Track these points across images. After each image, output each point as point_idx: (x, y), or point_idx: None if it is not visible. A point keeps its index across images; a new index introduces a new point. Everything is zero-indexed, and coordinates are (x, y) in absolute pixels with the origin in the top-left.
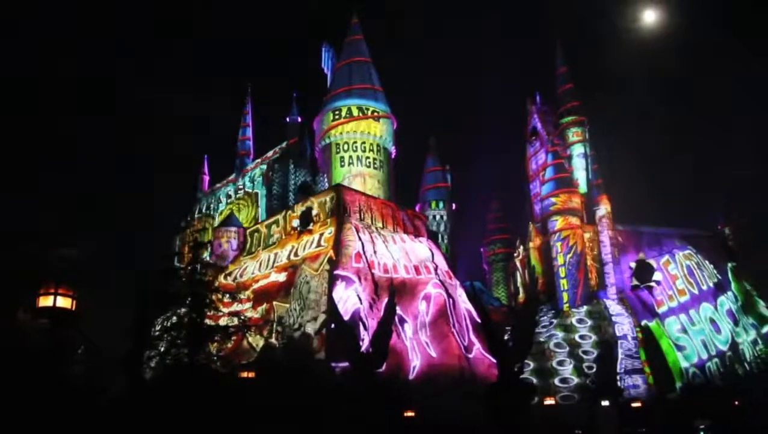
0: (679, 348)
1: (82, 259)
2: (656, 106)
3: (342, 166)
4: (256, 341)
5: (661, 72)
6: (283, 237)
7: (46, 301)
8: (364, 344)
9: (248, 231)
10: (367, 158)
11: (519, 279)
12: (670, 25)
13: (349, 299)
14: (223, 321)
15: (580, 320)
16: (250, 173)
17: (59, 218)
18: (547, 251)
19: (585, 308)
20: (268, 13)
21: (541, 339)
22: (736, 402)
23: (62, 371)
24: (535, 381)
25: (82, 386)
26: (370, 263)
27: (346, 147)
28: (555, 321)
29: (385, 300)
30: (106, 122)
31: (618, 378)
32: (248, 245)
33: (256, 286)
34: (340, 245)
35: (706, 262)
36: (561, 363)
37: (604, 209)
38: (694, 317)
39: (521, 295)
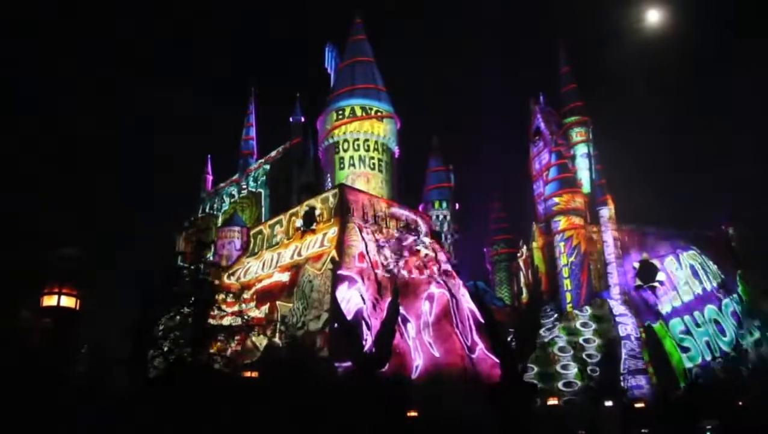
0: (684, 349)
1: (83, 259)
2: (659, 105)
3: (345, 166)
4: (260, 341)
5: (663, 72)
6: (287, 237)
7: (50, 300)
8: (367, 344)
9: (252, 231)
10: (371, 158)
11: (522, 279)
12: (672, 26)
13: (352, 298)
14: (226, 321)
15: (583, 321)
16: (254, 172)
17: (59, 218)
18: (550, 251)
19: (588, 308)
20: (271, 13)
21: (545, 339)
22: (740, 403)
23: (65, 370)
24: (538, 381)
25: (85, 385)
26: (373, 263)
27: (349, 147)
28: (558, 322)
29: (388, 300)
30: (107, 122)
31: (621, 378)
32: (251, 245)
33: (259, 286)
34: (344, 245)
35: (710, 262)
36: (564, 363)
37: (607, 209)
38: (698, 318)
39: (524, 295)
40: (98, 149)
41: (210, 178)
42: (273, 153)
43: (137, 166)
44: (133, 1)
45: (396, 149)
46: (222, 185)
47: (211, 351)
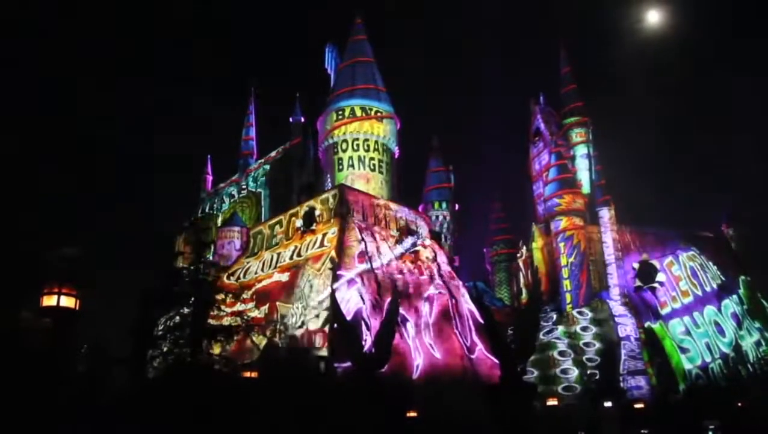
0: (683, 350)
1: (83, 258)
2: (658, 106)
3: (345, 166)
4: (259, 341)
5: (662, 72)
6: (286, 237)
7: (49, 300)
8: (367, 344)
9: (251, 231)
10: (371, 158)
11: (522, 280)
12: (671, 26)
13: (352, 299)
14: (226, 321)
15: (582, 321)
16: (254, 173)
17: (59, 218)
18: (550, 251)
19: (588, 309)
20: (271, 13)
21: (544, 340)
22: (740, 404)
23: (65, 370)
24: (537, 381)
25: (85, 385)
26: (372, 264)
27: (348, 147)
28: (558, 322)
29: (388, 301)
30: (107, 122)
31: (621, 379)
32: (251, 246)
33: (258, 286)
34: (343, 246)
35: (710, 263)
36: (564, 364)
37: (607, 209)
38: (698, 319)
39: (524, 296)
40: (98, 149)
41: (210, 178)
42: (273, 153)
43: (137, 166)
44: (133, 1)
45: (396, 150)
46: (222, 185)
47: (211, 351)
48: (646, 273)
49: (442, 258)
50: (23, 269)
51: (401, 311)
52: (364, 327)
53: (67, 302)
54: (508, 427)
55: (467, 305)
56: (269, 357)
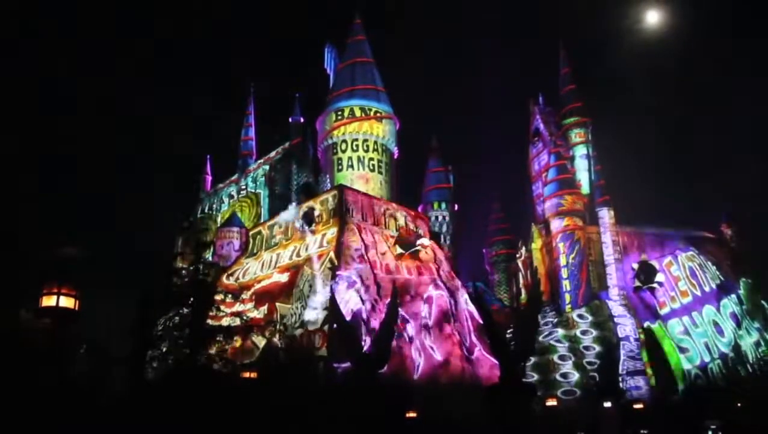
0: (682, 350)
1: (82, 258)
2: (658, 106)
3: (344, 166)
4: (259, 341)
5: (662, 72)
6: (286, 238)
7: (49, 301)
8: (366, 345)
9: (251, 232)
10: (370, 158)
11: (521, 280)
12: (671, 26)
13: (352, 299)
14: (225, 322)
15: (582, 321)
16: (253, 173)
17: (59, 218)
18: (549, 252)
19: (587, 309)
20: (271, 13)
21: (543, 341)
22: (739, 404)
23: (64, 370)
24: (537, 381)
25: (84, 386)
26: (372, 264)
27: (348, 148)
28: (557, 323)
29: (388, 301)
30: (107, 122)
31: (620, 379)
32: (250, 246)
33: (258, 286)
34: (343, 246)
35: (709, 263)
36: (563, 363)
37: (606, 210)
38: (696, 319)
39: (523, 296)
40: (98, 150)
41: (209, 178)
42: (272, 154)
43: (137, 166)
44: (133, 1)
45: (395, 150)
46: (221, 185)
47: (210, 351)
48: (646, 274)
49: (441, 259)
50: (23, 269)
51: (400, 311)
52: (363, 328)
53: (67, 302)
54: (507, 428)
55: (467, 305)
56: (269, 358)
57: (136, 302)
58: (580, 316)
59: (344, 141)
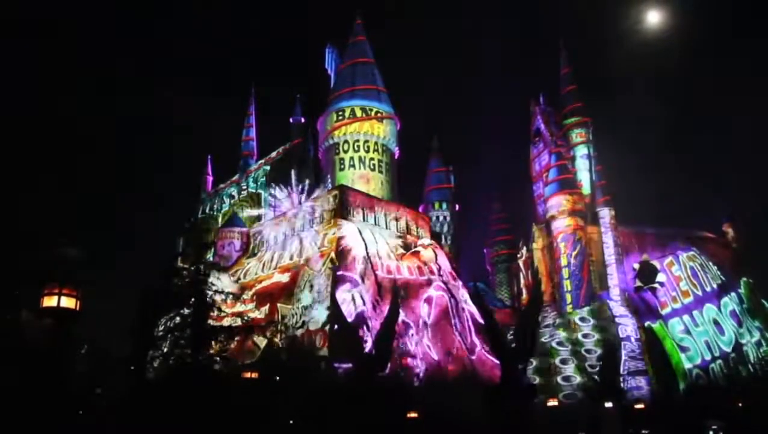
0: (683, 349)
1: (83, 259)
2: (658, 106)
3: (345, 167)
4: (260, 341)
5: (662, 72)
6: (287, 238)
7: (50, 301)
8: (368, 345)
9: (252, 232)
10: (371, 158)
11: (522, 280)
12: (672, 27)
13: (353, 300)
14: (226, 322)
15: (583, 322)
16: (254, 173)
17: (59, 218)
18: (550, 252)
19: (588, 309)
20: (271, 13)
21: (544, 341)
22: (740, 404)
23: (65, 371)
24: (538, 382)
25: (85, 386)
26: (373, 264)
27: (349, 148)
28: (558, 322)
29: (389, 301)
30: (107, 122)
31: (621, 379)
32: (252, 246)
33: (259, 287)
34: (343, 246)
35: (710, 263)
36: (564, 364)
37: (607, 210)
38: (697, 318)
39: (524, 296)
40: (98, 149)
41: (210, 179)
42: (273, 154)
43: (137, 166)
44: (133, 1)
45: (396, 150)
46: (222, 185)
47: (211, 351)
48: (647, 274)
49: (442, 259)
50: (24, 269)
51: (401, 312)
52: (364, 328)
53: (68, 302)
54: (508, 427)
55: (467, 305)
56: (270, 358)
57: (137, 302)
58: (581, 316)
59: (345, 141)
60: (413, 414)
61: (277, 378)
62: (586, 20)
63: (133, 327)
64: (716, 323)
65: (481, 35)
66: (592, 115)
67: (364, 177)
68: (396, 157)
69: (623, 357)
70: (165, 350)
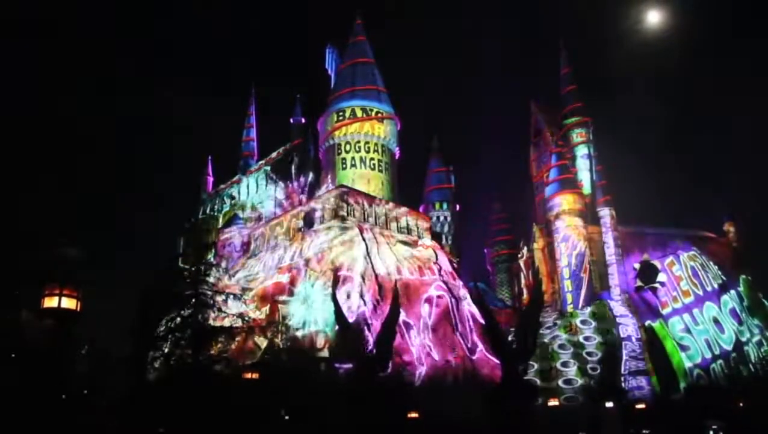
0: (683, 348)
1: (83, 259)
2: (658, 106)
3: (346, 167)
4: (261, 342)
5: (662, 72)
6: (287, 238)
7: (50, 302)
8: (368, 345)
9: (252, 232)
10: (371, 159)
11: (523, 280)
12: (672, 27)
13: (353, 300)
14: (227, 322)
15: (584, 322)
16: (255, 174)
17: (59, 218)
18: (551, 252)
19: (589, 309)
20: (271, 14)
21: (545, 340)
22: (741, 404)
23: (66, 371)
24: (539, 382)
25: (85, 386)
26: (373, 265)
27: (349, 148)
28: (559, 322)
29: (389, 302)
30: (107, 122)
31: (622, 379)
32: (252, 247)
33: (260, 287)
34: (344, 246)
35: (711, 263)
36: (565, 364)
37: (607, 209)
38: (697, 317)
39: (525, 296)
40: (98, 149)
41: (210, 179)
42: (274, 154)
43: (137, 167)
44: (133, 0)
45: (396, 150)
46: (222, 186)
47: (212, 352)
48: (647, 273)
49: (442, 259)
50: (24, 269)
51: (402, 312)
52: (365, 328)
53: (68, 303)
54: (509, 428)
55: (468, 306)
56: (270, 358)
57: (137, 303)
58: (582, 316)
59: (346, 142)
60: (414, 415)
61: (278, 378)
62: (586, 20)
63: (133, 328)
64: (716, 321)
65: (481, 35)
66: (592, 115)
67: (365, 177)
68: (396, 157)
69: (624, 357)
70: (165, 350)
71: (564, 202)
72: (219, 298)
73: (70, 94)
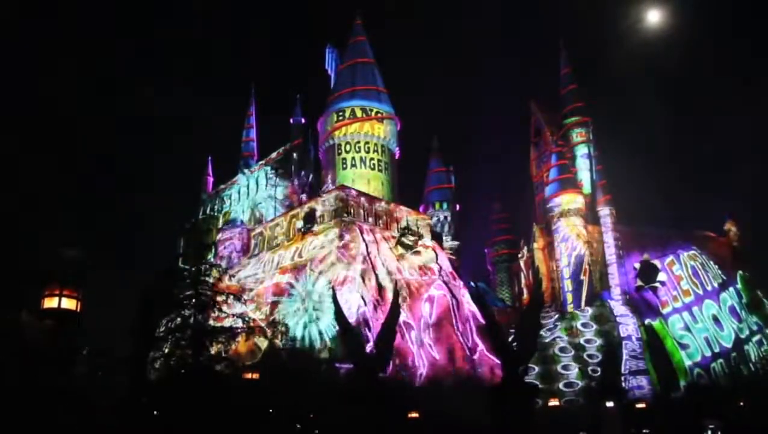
0: (683, 347)
1: (84, 260)
2: (658, 106)
3: (346, 167)
4: (261, 342)
5: (662, 72)
6: (287, 239)
7: (51, 302)
8: (369, 345)
9: (252, 233)
10: (371, 159)
11: (523, 280)
12: (672, 26)
13: (354, 300)
14: (227, 323)
15: (584, 322)
16: (255, 174)
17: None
18: (551, 251)
19: (589, 309)
20: (271, 14)
21: (546, 341)
22: (741, 403)
23: (66, 371)
24: (539, 382)
25: (86, 387)
26: (374, 265)
27: (350, 148)
28: (559, 322)
29: (389, 302)
30: (107, 122)
31: (622, 378)
32: (252, 247)
33: (260, 287)
34: (344, 247)
35: (711, 262)
36: (565, 364)
37: (608, 209)
38: (696, 315)
39: (525, 296)
40: (98, 149)
41: (211, 180)
42: (274, 154)
43: (137, 167)
44: (133, 1)
45: (396, 150)
46: (223, 186)
47: (212, 352)
48: (648, 273)
49: (443, 259)
50: (25, 270)
51: (402, 312)
52: (365, 328)
53: (69, 304)
54: (509, 428)
55: (468, 306)
56: (270, 359)
57: (138, 303)
58: (582, 316)
59: (346, 142)
60: (414, 415)
61: (278, 379)
62: (586, 20)
63: (133, 328)
64: (716, 319)
65: (481, 35)
66: (592, 115)
67: (365, 177)
68: (396, 157)
69: (624, 357)
70: (166, 351)
71: (564, 202)
72: (219, 298)
73: (70, 94)
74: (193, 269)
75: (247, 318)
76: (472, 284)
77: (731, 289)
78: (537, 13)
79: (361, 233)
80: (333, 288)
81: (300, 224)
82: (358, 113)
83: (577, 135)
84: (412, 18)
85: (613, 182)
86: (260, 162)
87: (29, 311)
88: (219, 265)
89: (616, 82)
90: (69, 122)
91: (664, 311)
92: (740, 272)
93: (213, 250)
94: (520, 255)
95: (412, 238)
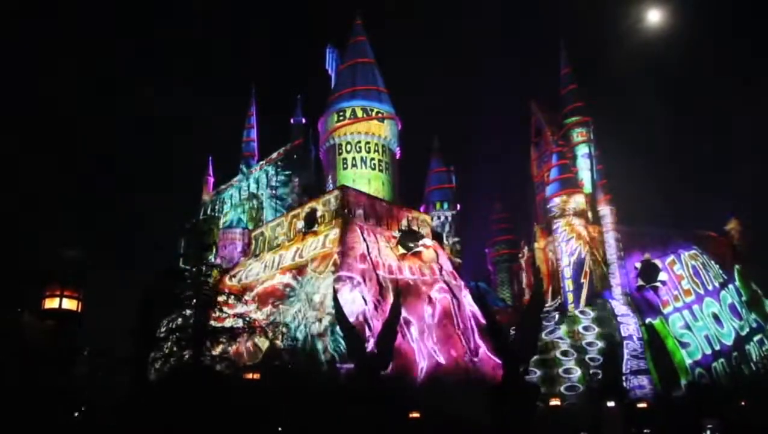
0: (683, 345)
1: (84, 260)
2: (658, 106)
3: (346, 167)
4: (262, 342)
5: (662, 72)
6: (288, 239)
7: (52, 303)
8: (370, 345)
9: (253, 233)
10: (372, 159)
11: (524, 280)
12: (672, 26)
13: (354, 300)
14: (228, 323)
15: (585, 321)
16: (255, 174)
17: (59, 219)
18: (552, 251)
19: (590, 308)
20: (272, 14)
21: (547, 340)
22: (743, 403)
23: (67, 372)
24: (540, 381)
25: (86, 387)
26: (374, 265)
27: (350, 148)
28: (560, 322)
29: (390, 302)
30: (107, 123)
31: (623, 378)
32: (253, 247)
33: (260, 288)
34: (345, 247)
35: (712, 262)
36: (566, 364)
37: (608, 209)
38: (697, 313)
39: (526, 296)
40: (98, 149)
41: (211, 180)
42: (274, 155)
43: (137, 167)
44: (133, 1)
45: (397, 150)
46: (223, 187)
47: (213, 352)
48: (649, 273)
49: (443, 259)
50: (25, 269)
51: (403, 312)
52: (366, 329)
53: (69, 304)
54: (511, 428)
55: (469, 305)
56: (271, 359)
57: (138, 303)
58: (583, 316)
59: (347, 142)
60: (415, 414)
61: (279, 379)
62: (586, 20)
63: (134, 328)
64: (716, 317)
65: (481, 35)
66: (592, 114)
67: (365, 177)
68: (397, 157)
69: (625, 356)
70: (166, 351)
71: (565, 201)
72: (220, 299)
73: (70, 94)
74: (194, 269)
75: (247, 318)
76: (472, 284)
77: (731, 286)
78: (537, 13)
79: (362, 233)
80: (334, 288)
81: (301, 224)
82: (359, 113)
83: (578, 135)
84: (412, 18)
85: (614, 181)
86: (261, 162)
87: (30, 312)
88: (219, 265)
89: (616, 82)
90: (69, 122)
91: (665, 310)
92: (737, 266)
93: (214, 250)
94: (520, 255)
95: (412, 238)
